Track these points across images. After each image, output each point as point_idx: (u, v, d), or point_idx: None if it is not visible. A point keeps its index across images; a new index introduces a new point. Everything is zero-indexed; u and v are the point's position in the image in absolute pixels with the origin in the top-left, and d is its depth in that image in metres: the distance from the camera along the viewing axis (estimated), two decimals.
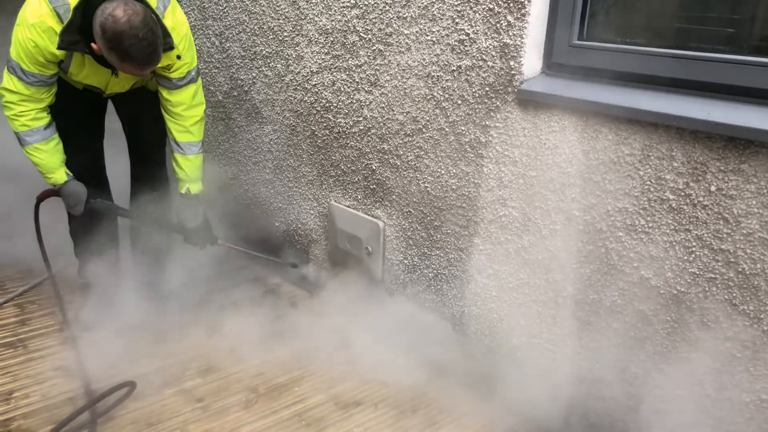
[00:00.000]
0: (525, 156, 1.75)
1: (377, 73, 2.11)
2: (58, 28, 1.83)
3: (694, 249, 1.49)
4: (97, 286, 2.38)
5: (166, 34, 1.90)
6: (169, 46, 1.92)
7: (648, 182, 1.54)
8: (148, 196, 2.36)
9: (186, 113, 2.13)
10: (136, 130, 2.32)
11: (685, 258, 1.51)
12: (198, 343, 2.26)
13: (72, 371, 2.05)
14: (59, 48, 1.85)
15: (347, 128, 2.29)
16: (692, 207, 1.48)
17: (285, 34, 2.43)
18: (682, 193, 1.49)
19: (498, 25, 1.74)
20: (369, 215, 2.31)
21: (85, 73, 2.01)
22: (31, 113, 1.98)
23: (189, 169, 2.19)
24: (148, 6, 1.84)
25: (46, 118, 2.01)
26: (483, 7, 1.76)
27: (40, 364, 2.09)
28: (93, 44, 1.81)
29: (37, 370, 2.06)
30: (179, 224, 2.28)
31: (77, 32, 1.82)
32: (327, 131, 2.38)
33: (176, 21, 1.99)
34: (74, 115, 2.13)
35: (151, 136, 2.27)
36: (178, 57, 2.01)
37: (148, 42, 1.77)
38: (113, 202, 2.34)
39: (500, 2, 1.72)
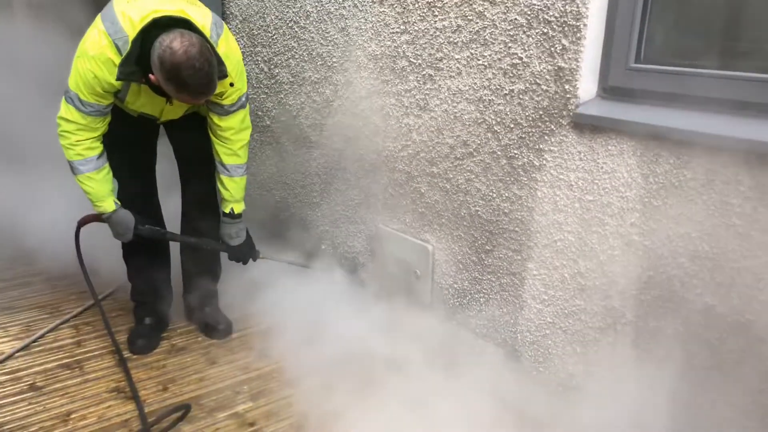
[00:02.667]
0: (581, 180, 1.73)
1: (427, 97, 2.12)
2: (117, 60, 1.89)
3: (763, 276, 1.45)
4: (150, 308, 2.43)
5: (220, 62, 1.94)
6: (223, 75, 1.97)
7: (712, 207, 1.50)
8: (199, 215, 2.41)
9: (234, 137, 2.17)
10: (187, 153, 2.36)
11: (754, 285, 1.46)
12: (249, 366, 2.28)
13: (127, 393, 2.09)
14: (118, 79, 1.91)
15: (395, 152, 2.30)
16: (761, 233, 1.43)
17: (334, 60, 2.47)
18: (750, 218, 1.45)
19: (552, 48, 1.73)
20: (418, 239, 2.30)
21: (141, 101, 2.07)
22: (86, 143, 2.03)
23: (234, 189, 2.24)
24: (203, 36, 1.88)
25: (99, 148, 2.07)
26: (536, 31, 1.76)
27: (96, 385, 2.13)
28: (150, 75, 1.86)
29: (93, 391, 2.10)
30: (223, 242, 2.34)
31: (135, 63, 1.88)
32: (375, 155, 2.40)
33: (229, 49, 2.04)
34: (128, 142, 2.18)
35: (201, 157, 2.31)
36: (231, 84, 2.05)
37: (205, 72, 1.82)
38: (164, 226, 2.39)
39: (555, 26, 1.72)
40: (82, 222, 2.25)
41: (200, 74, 1.81)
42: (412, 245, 2.31)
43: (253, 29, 2.86)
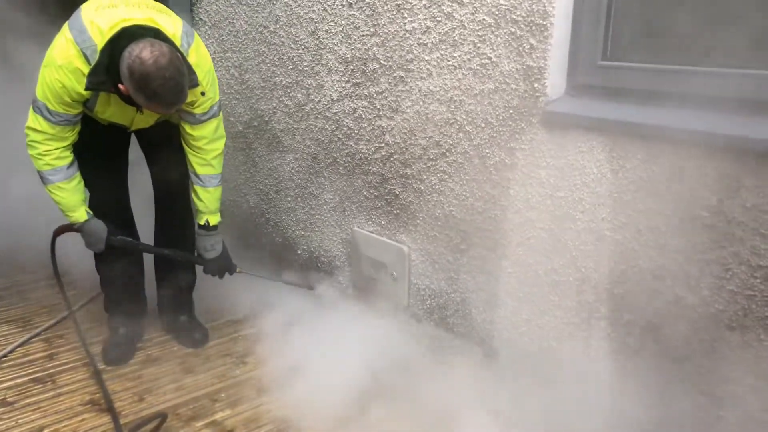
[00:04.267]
0: (552, 177, 1.75)
1: (398, 99, 2.12)
2: (85, 69, 1.86)
3: (731, 266, 1.47)
4: (124, 318, 2.39)
5: (191, 71, 1.92)
6: (194, 84, 1.95)
7: (680, 200, 1.52)
8: (172, 225, 2.38)
9: (207, 147, 2.15)
10: (158, 162, 2.34)
11: (722, 276, 1.49)
12: (226, 374, 2.25)
13: (101, 405, 2.05)
14: (87, 89, 1.88)
15: (369, 154, 2.30)
16: (727, 223, 1.46)
17: (305, 63, 2.46)
18: (716, 210, 1.47)
19: (521, 48, 1.75)
20: (393, 240, 2.30)
21: (111, 111, 2.04)
22: (55, 152, 2.00)
23: (208, 200, 2.21)
24: (173, 45, 1.86)
25: (69, 158, 2.04)
26: (505, 31, 1.77)
27: (69, 398, 2.09)
28: (120, 85, 1.84)
29: (66, 404, 2.06)
30: (199, 254, 2.31)
31: (104, 73, 1.85)
32: (349, 158, 2.39)
33: (200, 57, 2.02)
34: (98, 151, 2.15)
35: (173, 166, 2.29)
36: (202, 93, 2.03)
37: (175, 82, 1.80)
38: (137, 235, 2.36)
39: (522, 26, 1.73)
40: (58, 231, 2.22)
41: (170, 84, 1.79)
42: (388, 247, 2.31)
43: (222, 35, 2.83)
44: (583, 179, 1.68)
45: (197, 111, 2.07)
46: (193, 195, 2.23)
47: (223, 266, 2.32)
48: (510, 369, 1.98)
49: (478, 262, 2.02)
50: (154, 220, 2.44)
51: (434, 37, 1.95)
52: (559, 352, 1.84)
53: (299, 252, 2.78)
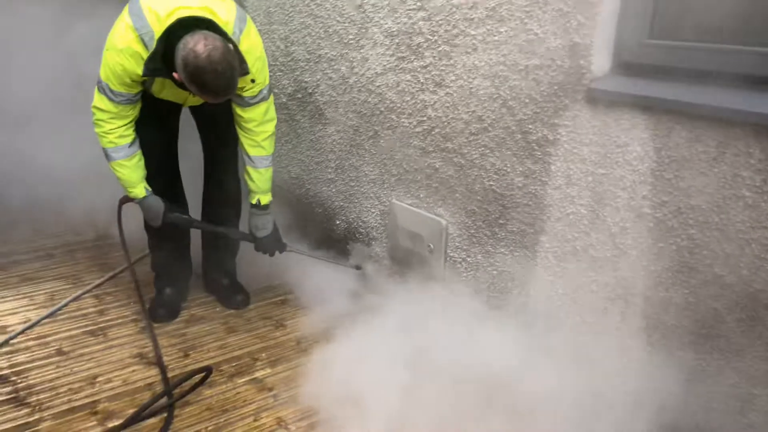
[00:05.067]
0: (594, 154, 1.76)
1: (442, 73, 2.15)
2: (144, 53, 1.93)
3: None
4: (170, 279, 2.50)
5: (242, 61, 1.97)
6: (245, 72, 2.00)
7: (723, 179, 1.53)
8: (221, 201, 2.47)
9: (257, 129, 2.21)
10: (210, 135, 2.41)
11: (763, 255, 1.50)
12: (266, 335, 2.35)
13: (149, 359, 2.16)
14: (144, 75, 1.96)
15: (410, 128, 2.34)
16: None
17: (350, 37, 2.50)
18: (759, 190, 1.48)
19: (567, 24, 1.76)
20: (431, 213, 2.35)
21: (166, 92, 2.12)
22: (118, 130, 2.08)
23: (260, 181, 2.28)
24: (226, 36, 1.92)
25: (130, 137, 2.12)
26: (552, 7, 1.78)
27: (119, 351, 2.21)
28: (174, 73, 1.91)
29: (117, 356, 2.18)
30: (250, 233, 2.38)
31: (160, 61, 1.93)
32: (390, 131, 2.43)
33: (251, 43, 2.06)
34: (153, 118, 2.22)
35: (225, 139, 2.36)
36: (252, 80, 2.08)
37: (227, 76, 1.85)
38: (186, 204, 2.45)
39: (570, 3, 1.74)
40: (124, 200, 2.31)
41: (222, 77, 1.85)
42: (426, 220, 2.36)
43: (270, 6, 2.88)
44: (625, 157, 1.70)
45: (247, 95, 2.13)
46: (245, 175, 2.30)
47: (273, 245, 2.40)
48: (544, 340, 2.02)
49: (516, 237, 2.05)
50: (203, 195, 2.53)
51: (481, 12, 1.97)
52: (594, 327, 1.88)
53: (338, 222, 2.84)
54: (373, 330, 2.19)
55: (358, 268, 2.63)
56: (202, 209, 2.54)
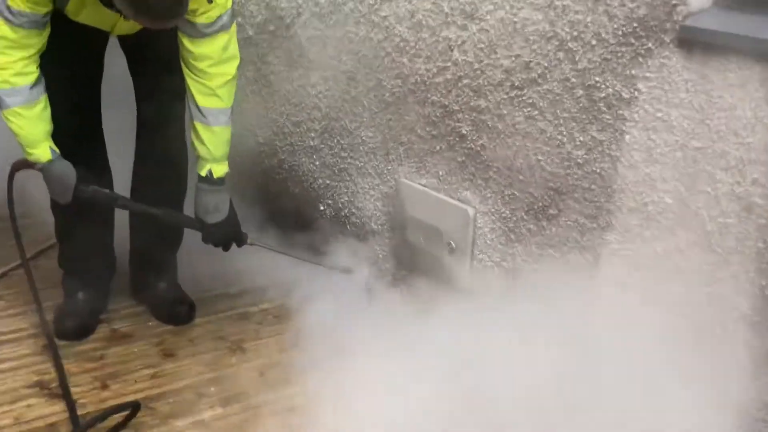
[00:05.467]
0: (686, 120, 1.75)
1: (476, 1, 2.14)
2: None
3: None
4: (85, 280, 2.50)
5: None
6: None
7: None
8: (158, 173, 2.46)
9: (213, 70, 2.19)
10: (147, 74, 2.40)
11: None
12: (218, 362, 2.35)
13: (53, 389, 2.15)
14: None
15: (428, 77, 2.33)
16: None
17: None
18: None
19: None
20: (454, 198, 2.34)
21: (86, 14, 2.09)
22: (17, 65, 2.05)
23: (213, 144, 2.26)
24: None
25: (33, 74, 2.09)
26: None
27: (12, 378, 2.21)
28: None
29: (8, 385, 2.18)
30: (197, 217, 2.36)
31: None
32: (399, 81, 2.42)
33: None
34: (66, 57, 2.19)
35: (168, 84, 2.34)
36: (209, 0, 2.07)
37: None
38: (110, 176, 2.44)
39: None
40: (18, 166, 2.28)
41: None
42: (447, 207, 2.35)
43: None
44: (730, 125, 1.69)
45: (200, 21, 2.10)
46: (192, 135, 2.28)
47: (228, 234, 2.38)
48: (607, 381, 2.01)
49: (572, 234, 2.04)
50: (134, 163, 2.53)
51: None
52: (677, 362, 1.87)
53: (322, 208, 2.84)
54: (366, 364, 2.20)
55: (347, 271, 2.63)
56: (132, 183, 2.54)
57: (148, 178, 2.47)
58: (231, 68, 2.22)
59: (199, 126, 2.25)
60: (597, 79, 1.90)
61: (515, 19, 2.05)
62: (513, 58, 2.08)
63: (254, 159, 3.07)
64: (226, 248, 2.41)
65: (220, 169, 2.31)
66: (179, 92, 2.31)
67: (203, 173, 2.30)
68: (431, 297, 2.39)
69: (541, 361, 2.09)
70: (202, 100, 2.22)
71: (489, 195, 2.24)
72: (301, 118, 2.83)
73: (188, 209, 2.46)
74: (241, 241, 2.42)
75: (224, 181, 2.33)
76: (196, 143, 2.27)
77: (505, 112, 2.13)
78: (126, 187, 2.50)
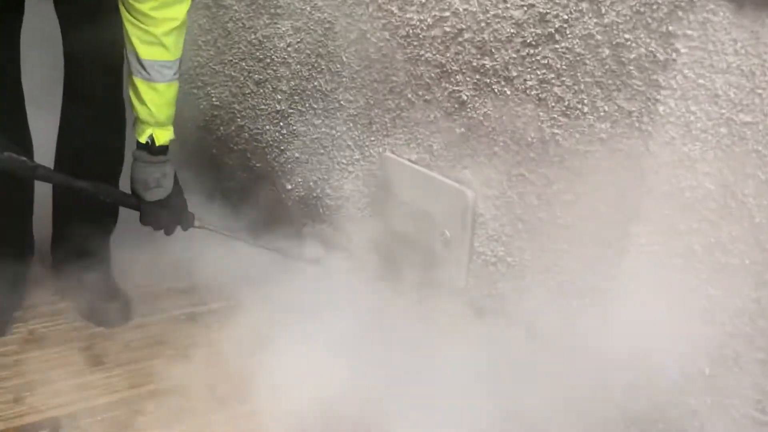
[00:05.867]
0: (734, 89, 1.76)
1: None
2: None
3: None
4: None
5: None
6: None
7: None
8: (87, 144, 2.45)
9: (157, 14, 2.17)
10: (76, 20, 2.40)
11: None
12: (159, 372, 2.35)
13: None
14: None
15: (423, 30, 2.33)
16: None
17: None
18: None
19: None
20: (450, 178, 2.34)
21: None
22: None
23: (156, 104, 2.26)
24: None
25: None
26: None
27: None
28: None
29: None
30: (134, 194, 2.36)
31: None
32: (387, 33, 2.42)
33: None
34: None
35: (103, 31, 2.33)
36: None
37: None
38: (33, 154, 2.42)
39: None
40: None
41: None
42: (441, 188, 2.36)
43: None
44: None
45: None
46: (131, 93, 2.28)
47: (171, 215, 2.39)
48: (626, 409, 2.03)
49: (591, 224, 2.05)
50: (59, 131, 2.53)
51: None
52: (712, 382, 1.88)
53: (289, 187, 2.83)
54: (336, 377, 2.20)
55: (315, 262, 2.63)
56: (57, 155, 2.54)
57: (76, 147, 2.46)
58: (179, 12, 2.21)
59: (139, 82, 2.24)
60: (627, 36, 1.90)
61: None
62: (525, 9, 2.08)
63: (206, 125, 3.06)
64: (169, 231, 2.41)
65: (163, 136, 2.31)
66: (117, 42, 2.31)
67: (143, 140, 2.30)
68: (420, 299, 2.40)
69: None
70: (144, 51, 2.21)
71: (493, 175, 2.24)
72: (266, 76, 2.82)
73: (125, 185, 2.45)
74: (186, 223, 2.43)
75: (168, 150, 2.33)
76: (135, 103, 2.27)
77: (514, 74, 2.13)
78: (49, 162, 2.49)
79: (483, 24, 2.18)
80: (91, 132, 2.45)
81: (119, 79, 2.40)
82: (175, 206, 2.39)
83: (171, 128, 2.33)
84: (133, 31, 2.20)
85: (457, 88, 2.28)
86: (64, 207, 2.55)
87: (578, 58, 2.00)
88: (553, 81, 2.06)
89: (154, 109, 2.26)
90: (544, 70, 2.07)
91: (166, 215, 2.38)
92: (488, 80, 2.20)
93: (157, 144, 2.30)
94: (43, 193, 2.52)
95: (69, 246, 2.59)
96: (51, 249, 2.62)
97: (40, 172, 2.32)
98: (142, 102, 2.25)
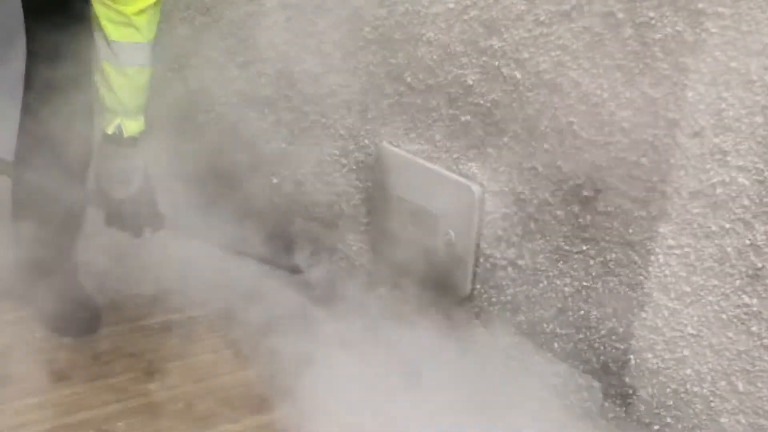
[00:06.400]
0: None
1: None
2: None
3: None
4: None
5: None
6: None
7: None
8: (49, 134, 2.43)
9: None
10: (39, 4, 2.40)
11: None
12: (130, 388, 2.35)
13: None
14: None
15: (423, 6, 2.32)
16: None
17: None
18: None
19: None
20: (455, 172, 2.34)
21: None
22: None
23: (125, 91, 2.26)
24: None
25: None
26: None
27: None
28: None
29: None
30: (99, 189, 2.36)
31: None
32: (384, 11, 2.42)
33: None
34: None
35: (68, 18, 2.33)
36: None
37: None
38: None
39: None
40: None
41: None
42: (444, 184, 2.35)
43: None
44: None
45: None
46: (98, 78, 2.27)
47: (140, 214, 2.39)
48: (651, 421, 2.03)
49: (613, 224, 2.04)
50: (20, 120, 2.52)
51: None
52: (747, 398, 1.88)
53: (275, 181, 2.83)
54: (323, 393, 2.21)
55: (295, 271, 2.62)
56: (17, 147, 2.54)
57: (37, 138, 2.45)
58: None
59: (107, 66, 2.24)
60: (651, 14, 1.90)
61: None
62: None
63: (182, 112, 3.05)
64: (137, 233, 2.41)
65: (133, 126, 2.31)
66: (84, 20, 2.30)
67: (110, 130, 2.30)
68: (420, 306, 2.39)
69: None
70: (114, 31, 2.21)
71: (502, 169, 2.24)
72: (250, 57, 2.81)
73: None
74: (157, 224, 2.43)
75: (138, 141, 2.33)
76: (103, 90, 2.27)
77: (526, 56, 2.13)
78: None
79: (491, 0, 2.17)
80: (55, 122, 2.44)
81: (87, 61, 2.39)
82: (144, 204, 2.39)
83: (142, 118, 2.33)
84: (101, 11, 2.20)
85: (462, 71, 2.27)
86: (25, 204, 2.54)
87: (597, 39, 1.99)
88: (570, 65, 2.05)
89: (123, 96, 2.26)
90: (558, 52, 2.07)
91: (133, 214, 2.37)
92: (497, 63, 2.19)
93: (125, 134, 2.30)
94: (1, 187, 2.52)
95: (30, 245, 2.58)
96: (12, 251, 2.61)
97: None
98: (109, 88, 2.25)
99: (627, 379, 2.08)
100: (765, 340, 1.85)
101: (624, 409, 2.09)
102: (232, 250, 2.61)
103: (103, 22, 2.20)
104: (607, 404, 2.11)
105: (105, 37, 2.22)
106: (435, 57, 2.32)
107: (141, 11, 2.20)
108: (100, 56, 2.24)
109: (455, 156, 2.33)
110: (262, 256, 2.65)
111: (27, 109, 2.49)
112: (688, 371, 1.97)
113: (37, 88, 2.44)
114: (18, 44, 2.52)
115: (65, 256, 2.61)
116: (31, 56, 2.45)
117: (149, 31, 2.25)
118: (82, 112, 2.46)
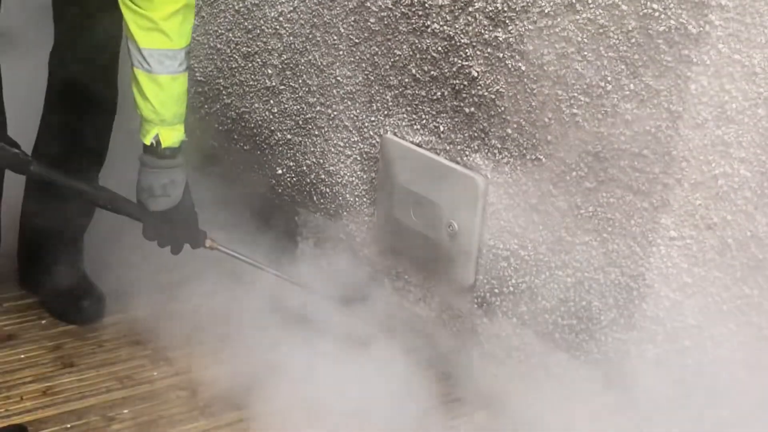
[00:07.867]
0: None
1: None
2: None
3: None
4: None
5: None
6: None
7: None
8: (76, 126, 2.46)
9: None
10: (69, 9, 2.41)
11: None
12: (135, 375, 2.36)
13: None
14: None
15: None
16: None
17: None
18: None
19: None
20: (459, 163, 2.34)
21: None
22: None
23: (159, 100, 2.21)
24: None
25: None
26: None
27: None
28: None
29: None
30: (139, 203, 2.32)
31: None
32: (389, 1, 2.41)
33: None
34: None
35: (97, 24, 2.34)
36: None
37: None
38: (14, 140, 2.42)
39: None
40: None
41: None
42: (448, 175, 2.35)
43: None
44: None
45: None
46: (133, 87, 2.23)
47: (179, 230, 2.35)
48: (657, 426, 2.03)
49: (615, 215, 2.04)
50: (42, 114, 2.53)
51: None
52: (750, 388, 1.88)
53: (280, 171, 2.83)
54: (330, 386, 2.22)
55: (302, 285, 2.57)
56: (38, 138, 2.54)
57: (56, 130, 2.45)
58: None
59: (140, 74, 2.19)
60: (655, 6, 1.89)
61: None
62: None
63: (188, 103, 3.04)
64: (175, 250, 2.36)
65: (170, 137, 2.26)
66: (116, 23, 2.31)
67: (147, 141, 2.25)
68: (424, 295, 2.39)
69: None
70: (143, 39, 2.15)
71: (506, 160, 2.24)
72: (255, 48, 2.81)
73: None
74: (196, 240, 2.38)
75: (178, 153, 2.28)
76: (138, 99, 2.22)
77: (530, 47, 2.13)
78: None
79: None
80: (84, 119, 2.44)
81: (115, 65, 2.39)
82: (182, 220, 2.35)
83: (181, 128, 2.28)
84: (130, 17, 2.15)
85: (466, 63, 2.27)
86: (38, 197, 2.53)
87: (601, 31, 1.99)
88: (574, 56, 2.05)
89: (158, 105, 2.21)
90: (563, 44, 2.06)
91: (171, 229, 2.33)
92: (501, 54, 2.19)
93: (163, 146, 2.25)
94: (9, 178, 2.52)
95: (38, 237, 2.58)
96: (18, 239, 2.61)
97: (34, 170, 2.25)
98: (144, 97, 2.20)
99: (627, 369, 2.08)
100: (765, 331, 1.85)
101: (625, 399, 2.09)
102: (272, 273, 2.55)
103: (132, 28, 2.15)
104: (606, 394, 2.11)
105: (135, 44, 2.17)
106: (439, 48, 2.32)
107: (169, 16, 2.15)
108: (132, 63, 2.20)
109: (459, 147, 2.33)
110: (306, 284, 2.58)
111: (50, 106, 2.48)
112: (689, 361, 1.97)
113: (61, 80, 2.44)
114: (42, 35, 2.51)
115: (72, 245, 2.61)
116: (56, 53, 2.46)
117: (180, 37, 2.19)
118: (105, 110, 2.45)
